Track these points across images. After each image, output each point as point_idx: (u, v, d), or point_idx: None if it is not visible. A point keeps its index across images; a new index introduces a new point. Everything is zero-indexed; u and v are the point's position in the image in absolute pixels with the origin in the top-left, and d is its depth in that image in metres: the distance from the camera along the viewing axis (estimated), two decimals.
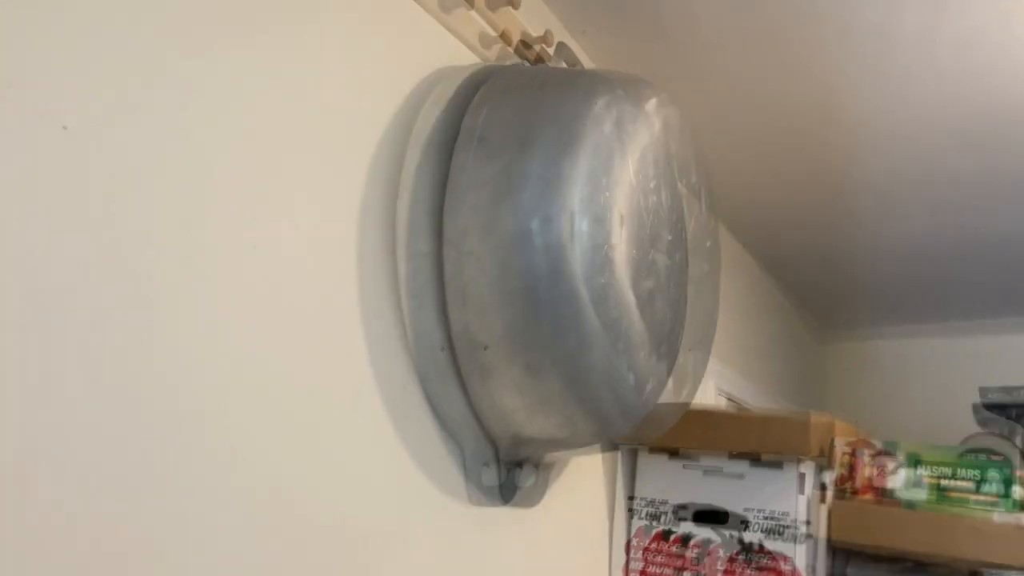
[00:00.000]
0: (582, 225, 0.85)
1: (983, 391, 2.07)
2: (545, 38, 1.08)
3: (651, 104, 0.92)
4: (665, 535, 1.29)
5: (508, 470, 1.06)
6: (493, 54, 1.09)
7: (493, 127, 0.92)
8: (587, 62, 1.29)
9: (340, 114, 0.85)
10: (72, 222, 0.55)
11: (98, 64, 0.57)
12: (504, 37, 1.05)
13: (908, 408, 2.79)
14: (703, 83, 1.37)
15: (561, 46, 1.11)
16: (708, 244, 1.03)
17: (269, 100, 0.75)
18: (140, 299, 0.59)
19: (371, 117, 0.90)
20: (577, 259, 0.85)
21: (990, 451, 1.17)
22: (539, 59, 1.11)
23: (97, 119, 0.57)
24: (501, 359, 0.90)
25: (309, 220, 0.80)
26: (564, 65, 1.12)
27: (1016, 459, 1.15)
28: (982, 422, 2.64)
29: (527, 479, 1.05)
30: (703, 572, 1.25)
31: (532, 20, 1.13)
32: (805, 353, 2.72)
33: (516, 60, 1.09)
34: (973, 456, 1.16)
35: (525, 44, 1.08)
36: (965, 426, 2.68)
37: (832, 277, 2.36)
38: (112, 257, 0.57)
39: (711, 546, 1.25)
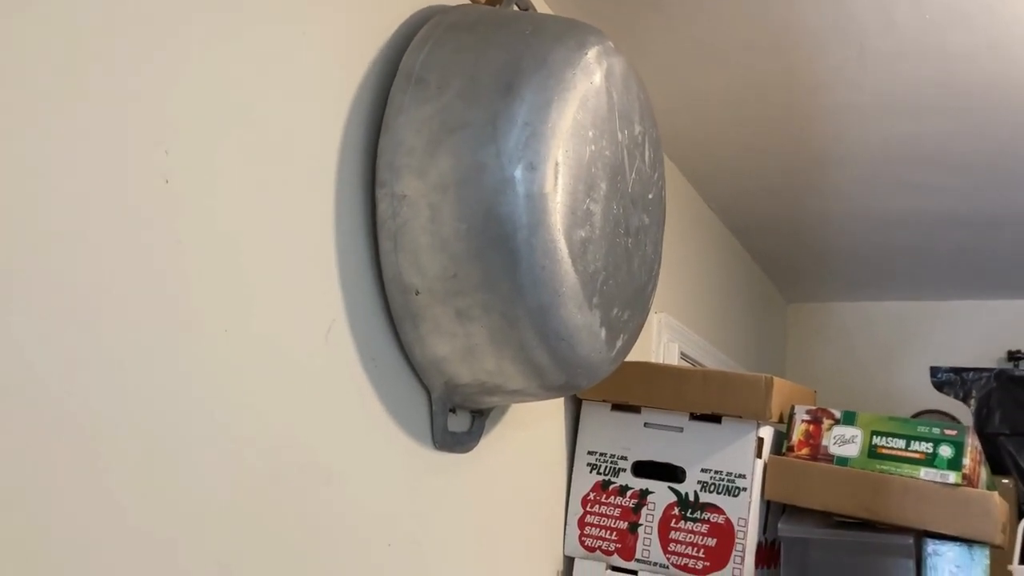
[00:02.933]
0: (515, 172, 0.85)
1: (934, 370, 2.10)
2: None
3: (593, 52, 0.91)
4: (604, 485, 1.30)
5: (473, 418, 1.07)
6: None
7: (433, 68, 0.90)
8: (542, 8, 1.26)
9: (322, 48, 0.84)
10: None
11: None
12: None
13: (865, 370, 2.83)
14: (665, 38, 1.35)
15: None
16: (650, 196, 1.02)
17: (248, 29, 0.73)
18: (105, 226, 0.58)
19: (355, 53, 0.88)
20: (510, 205, 0.85)
21: (945, 425, 1.18)
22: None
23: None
24: (431, 301, 0.89)
25: (287, 152, 0.79)
26: (515, 9, 1.10)
27: (969, 431, 1.16)
28: (938, 385, 2.68)
29: (481, 425, 1.06)
30: (640, 522, 1.26)
31: None
32: (769, 317, 2.74)
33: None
34: (927, 428, 1.17)
35: None
36: (919, 389, 2.72)
37: (799, 244, 2.37)
38: (88, 189, 0.56)
39: (649, 496, 1.27)
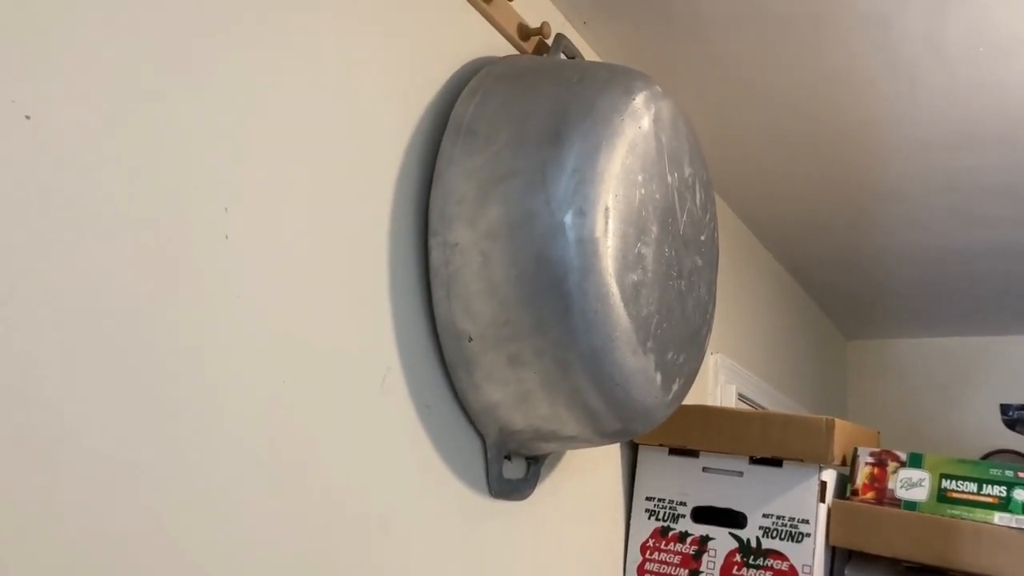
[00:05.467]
0: (565, 217, 0.85)
1: (1004, 407, 2.03)
2: (542, 29, 1.07)
3: (640, 97, 0.91)
4: (663, 531, 1.28)
5: (528, 464, 1.06)
6: (531, 46, 1.09)
7: (482, 119, 0.92)
8: (589, 55, 1.28)
9: (374, 102, 0.86)
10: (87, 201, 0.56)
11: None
12: (543, 30, 1.07)
13: (930, 409, 2.74)
14: (713, 79, 1.35)
15: (560, 37, 1.11)
16: (702, 238, 1.02)
17: (303, 83, 0.76)
18: (169, 281, 0.60)
19: (407, 106, 0.90)
20: (561, 251, 0.85)
21: (1019, 468, 1.14)
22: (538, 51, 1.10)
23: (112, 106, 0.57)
24: (484, 348, 0.90)
25: (341, 204, 0.81)
26: (563, 57, 1.11)
27: None
28: (1009, 423, 2.58)
29: (537, 472, 1.05)
30: (701, 569, 1.23)
31: (532, 11, 1.13)
32: (828, 355, 2.68)
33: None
34: (1000, 471, 1.13)
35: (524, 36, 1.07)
36: (988, 427, 2.62)
37: (857, 281, 2.32)
38: (140, 241, 0.58)
39: (709, 543, 1.24)
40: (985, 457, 2.58)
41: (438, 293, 0.90)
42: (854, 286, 2.37)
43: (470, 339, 0.90)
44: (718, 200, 1.80)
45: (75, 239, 0.58)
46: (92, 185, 0.59)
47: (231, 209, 0.69)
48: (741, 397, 1.81)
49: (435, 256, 0.90)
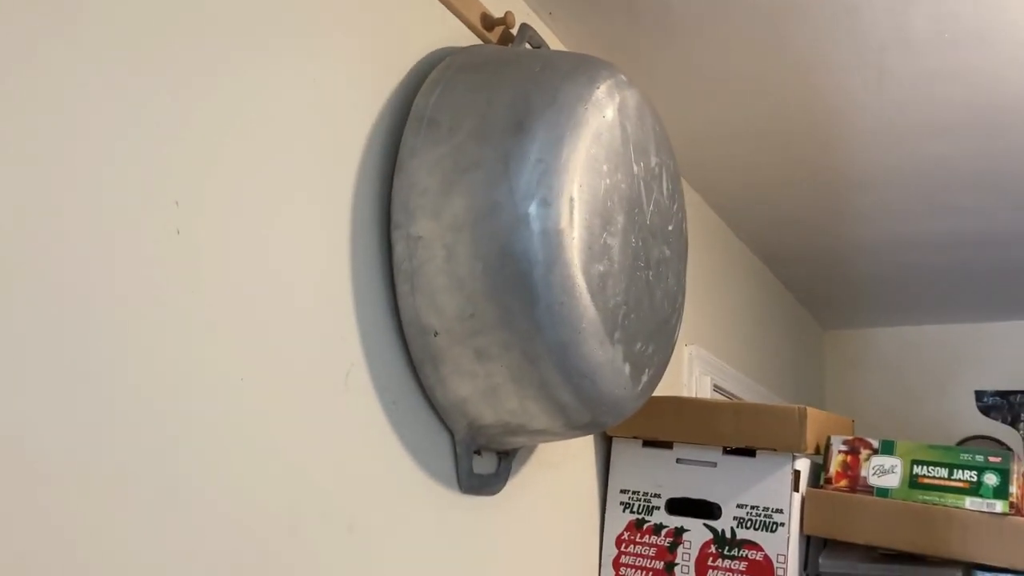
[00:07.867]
0: (529, 208, 0.84)
1: (979, 394, 2.04)
2: (506, 19, 1.06)
3: (604, 86, 0.90)
4: (638, 524, 1.27)
5: (499, 459, 1.05)
6: (495, 36, 1.08)
7: (444, 110, 0.90)
8: (556, 46, 1.27)
9: (334, 94, 0.84)
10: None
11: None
12: (507, 19, 1.05)
13: (908, 397, 2.76)
14: (681, 70, 1.34)
15: (525, 27, 1.10)
16: (670, 228, 1.01)
17: (261, 72, 0.74)
18: (116, 279, 0.58)
19: (368, 98, 0.89)
20: (525, 242, 0.84)
21: (989, 452, 1.14)
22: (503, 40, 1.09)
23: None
24: (450, 342, 0.88)
25: (301, 198, 0.80)
26: (528, 47, 1.10)
27: (1015, 457, 1.12)
28: (984, 409, 2.60)
29: (508, 466, 1.04)
30: (676, 561, 1.23)
31: (496, 0, 1.11)
32: (806, 346, 2.69)
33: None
34: (970, 456, 1.13)
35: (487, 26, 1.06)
36: (965, 414, 2.64)
37: (832, 271, 2.33)
38: (100, 242, 0.56)
39: (684, 535, 1.24)
40: (961, 443, 2.60)
41: (402, 287, 0.89)
42: (829, 277, 2.38)
43: (436, 334, 0.88)
44: (691, 192, 1.80)
45: (13, 230, 0.56)
46: (31, 174, 0.57)
47: (182, 203, 0.67)
48: (717, 388, 1.81)
49: (399, 249, 0.88)
